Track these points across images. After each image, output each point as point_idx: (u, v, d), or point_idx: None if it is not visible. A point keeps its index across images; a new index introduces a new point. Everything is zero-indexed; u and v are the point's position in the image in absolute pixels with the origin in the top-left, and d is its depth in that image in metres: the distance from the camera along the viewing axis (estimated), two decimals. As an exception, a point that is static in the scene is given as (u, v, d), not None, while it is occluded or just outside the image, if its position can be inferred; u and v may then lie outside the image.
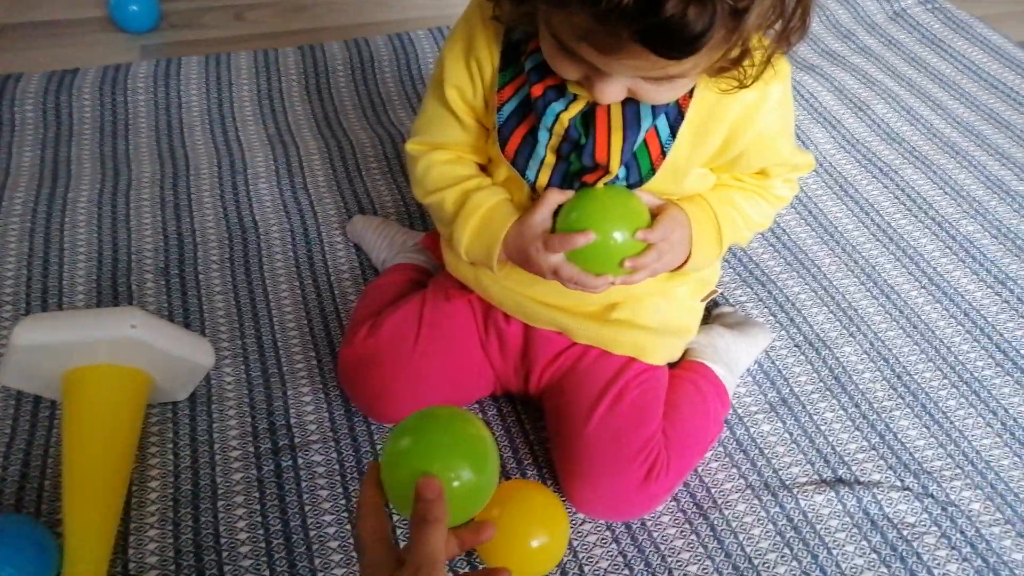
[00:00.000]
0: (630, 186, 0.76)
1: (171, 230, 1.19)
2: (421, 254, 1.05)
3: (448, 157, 0.83)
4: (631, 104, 0.70)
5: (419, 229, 1.18)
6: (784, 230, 1.23)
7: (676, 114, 0.73)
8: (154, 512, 0.85)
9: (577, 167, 0.75)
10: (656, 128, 0.73)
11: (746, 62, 0.65)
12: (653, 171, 0.75)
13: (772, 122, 0.75)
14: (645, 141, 0.73)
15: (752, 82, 0.68)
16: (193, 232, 1.18)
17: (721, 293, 1.10)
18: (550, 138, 0.74)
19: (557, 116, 0.71)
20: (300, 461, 0.90)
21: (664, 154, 0.74)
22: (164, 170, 1.29)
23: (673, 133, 0.74)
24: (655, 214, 0.77)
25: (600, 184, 0.75)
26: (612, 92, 0.66)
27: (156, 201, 1.23)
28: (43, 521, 0.83)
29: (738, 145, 0.75)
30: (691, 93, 0.73)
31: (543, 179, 0.77)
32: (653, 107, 0.71)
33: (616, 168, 0.73)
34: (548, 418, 0.89)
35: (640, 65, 0.60)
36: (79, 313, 0.88)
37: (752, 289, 1.13)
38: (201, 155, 1.33)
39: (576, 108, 0.71)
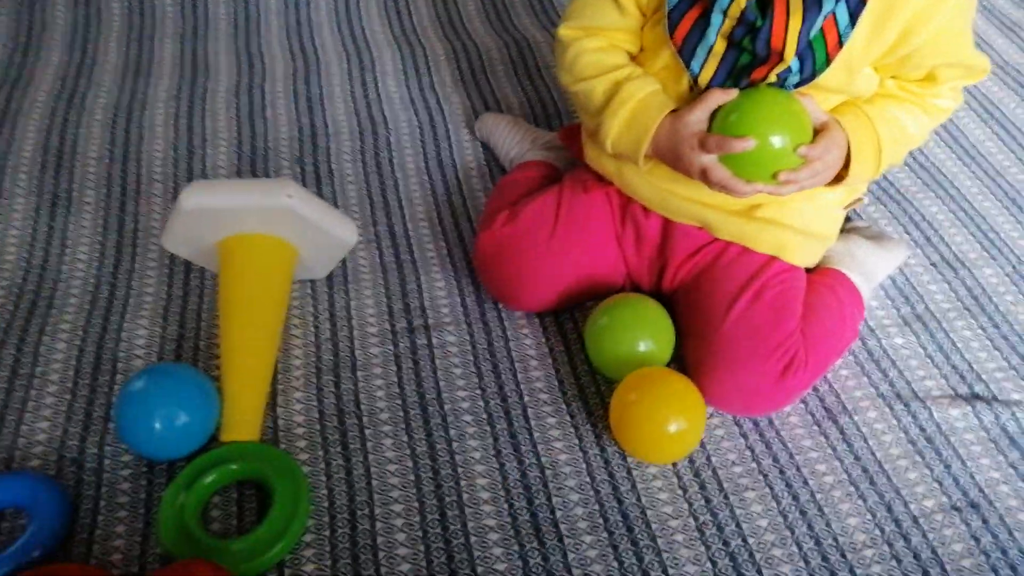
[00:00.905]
0: (802, 81, 0.74)
1: (304, 122, 1.22)
2: (552, 151, 1.05)
3: (600, 44, 0.82)
4: None
5: (545, 129, 1.18)
6: (921, 150, 1.18)
7: (857, 1, 0.70)
8: (299, 377, 0.90)
9: (747, 59, 0.73)
10: (835, 15, 0.71)
11: None
12: (828, 62, 0.73)
13: (955, 16, 0.72)
14: (822, 30, 0.71)
15: None
16: (325, 125, 1.21)
17: (861, 207, 1.07)
18: (723, 21, 0.72)
19: None
20: (435, 340, 0.93)
21: (841, 43, 0.72)
22: (296, 65, 1.32)
23: (853, 21, 0.71)
24: (817, 130, 0.75)
25: (772, 76, 0.73)
26: None
27: (289, 95, 1.27)
28: (199, 377, 0.89)
29: (915, 39, 0.72)
30: None
31: (707, 72, 0.75)
32: None
33: (790, 56, 0.71)
34: (682, 314, 0.89)
35: None
36: (239, 182, 0.92)
37: (886, 207, 1.10)
38: (330, 53, 1.35)
39: None
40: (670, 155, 0.78)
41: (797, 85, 0.73)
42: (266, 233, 0.87)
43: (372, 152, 1.17)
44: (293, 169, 1.14)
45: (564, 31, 0.83)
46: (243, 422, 0.81)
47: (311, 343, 0.93)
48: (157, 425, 0.77)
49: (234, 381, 0.83)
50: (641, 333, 0.85)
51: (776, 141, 0.73)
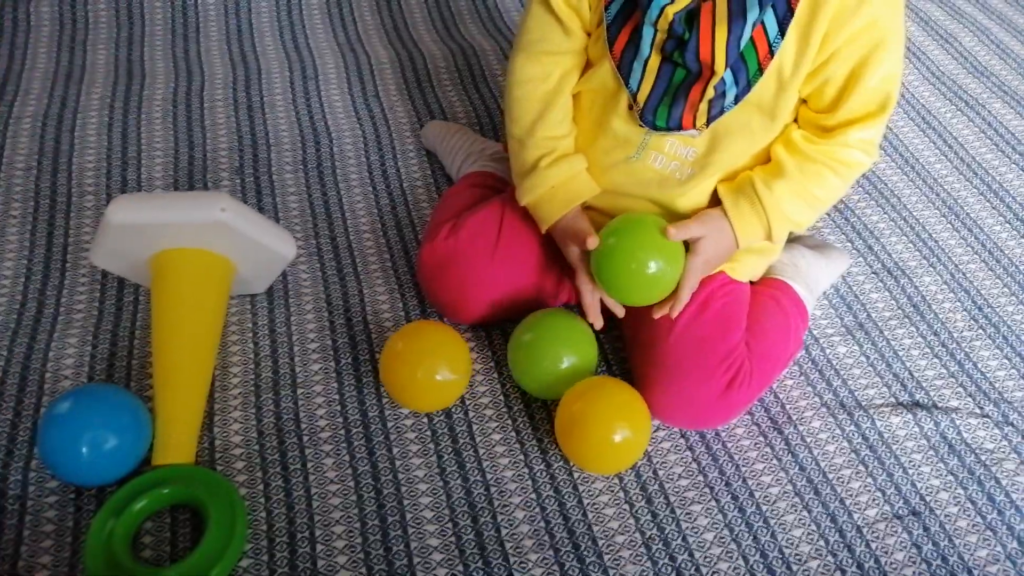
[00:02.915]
0: (739, 95, 0.74)
1: (245, 131, 1.19)
2: (499, 162, 1.04)
3: (540, 93, 0.82)
4: None
5: (491, 139, 1.16)
6: (863, 160, 1.20)
7: (785, 10, 0.71)
8: (237, 396, 0.87)
9: (682, 75, 0.73)
10: (764, 24, 0.71)
11: None
12: (760, 72, 0.73)
13: (874, 19, 0.71)
14: (752, 40, 0.71)
15: None
16: (267, 135, 1.18)
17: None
18: (655, 35, 0.72)
19: (662, 10, 0.70)
20: (377, 356, 0.91)
21: (772, 53, 0.72)
22: (236, 73, 1.29)
23: (782, 31, 0.71)
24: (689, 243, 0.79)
25: (710, 91, 0.72)
26: None
27: (229, 103, 1.23)
28: (131, 397, 0.85)
29: (835, 40, 0.71)
30: None
31: (645, 88, 0.75)
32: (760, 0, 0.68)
33: (721, 69, 0.71)
34: (627, 327, 0.88)
35: None
36: (170, 195, 0.89)
37: (829, 216, 1.11)
38: (272, 60, 1.32)
39: (682, 2, 0.69)
40: (560, 241, 0.85)
41: (737, 99, 0.73)
42: (200, 248, 0.84)
43: (315, 163, 1.15)
44: (232, 180, 1.11)
45: (515, 63, 0.83)
46: (176, 444, 0.78)
47: (250, 360, 0.91)
48: (84, 449, 0.74)
49: (167, 401, 0.80)
50: (564, 349, 0.83)
51: (635, 298, 0.80)
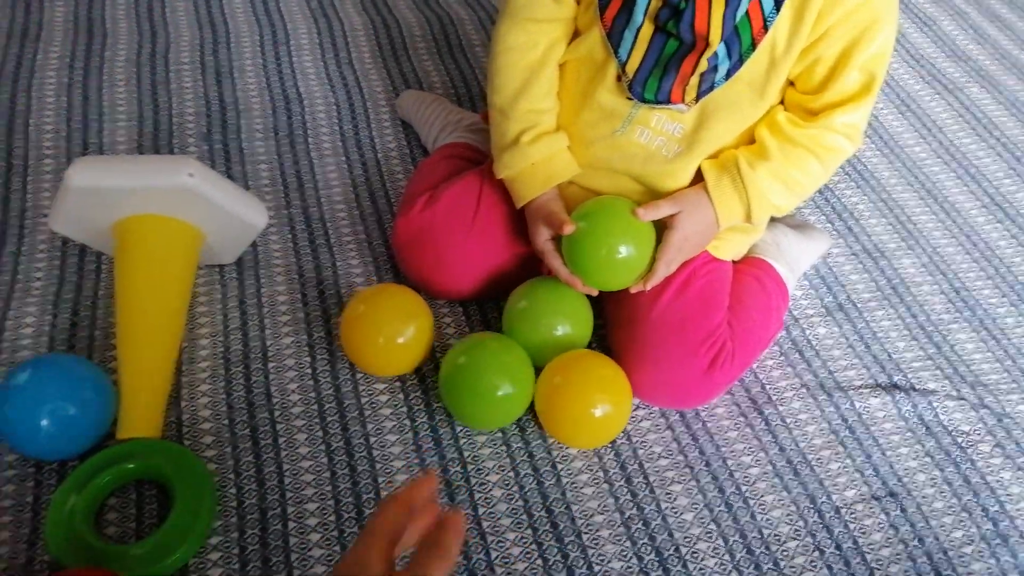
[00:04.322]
0: (731, 70, 0.72)
1: (212, 96, 1.14)
2: (476, 133, 1.01)
3: (525, 63, 0.79)
4: None
5: (468, 109, 1.13)
6: (843, 141, 1.19)
7: None
8: (205, 369, 0.84)
9: (674, 46, 0.71)
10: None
11: None
12: (753, 47, 0.71)
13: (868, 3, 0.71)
14: (747, 14, 0.70)
15: None
16: (236, 100, 1.14)
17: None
18: (649, 3, 0.70)
19: None
20: (352, 330, 0.88)
21: (766, 28, 0.70)
22: (203, 35, 1.24)
23: (777, 6, 0.70)
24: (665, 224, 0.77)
25: (702, 63, 0.71)
26: None
27: (196, 66, 1.19)
28: (93, 369, 0.82)
29: (829, 18, 0.71)
30: None
31: (635, 59, 0.73)
32: None
33: (716, 41, 0.69)
34: (608, 304, 0.87)
35: None
36: (135, 158, 0.85)
37: (810, 196, 1.10)
38: (241, 23, 1.28)
39: None
40: (530, 221, 0.82)
41: (728, 74, 0.72)
42: (166, 215, 0.81)
43: (286, 130, 1.11)
44: (200, 146, 1.07)
45: (500, 30, 0.79)
46: (141, 418, 0.75)
47: (219, 332, 0.87)
48: (44, 422, 0.70)
49: (132, 374, 0.77)
50: (559, 317, 0.82)
51: (619, 256, 0.77)
